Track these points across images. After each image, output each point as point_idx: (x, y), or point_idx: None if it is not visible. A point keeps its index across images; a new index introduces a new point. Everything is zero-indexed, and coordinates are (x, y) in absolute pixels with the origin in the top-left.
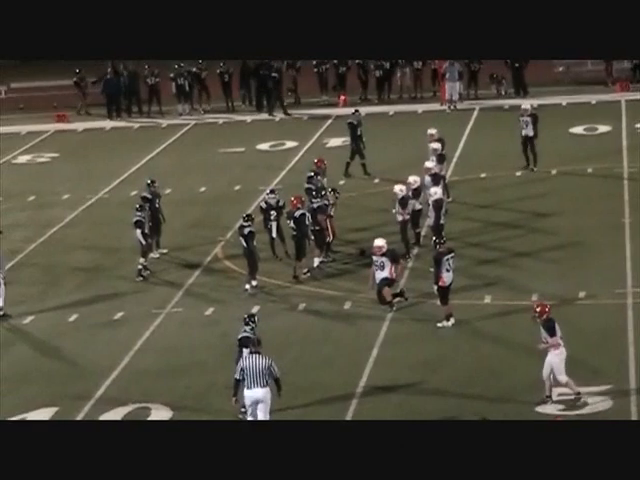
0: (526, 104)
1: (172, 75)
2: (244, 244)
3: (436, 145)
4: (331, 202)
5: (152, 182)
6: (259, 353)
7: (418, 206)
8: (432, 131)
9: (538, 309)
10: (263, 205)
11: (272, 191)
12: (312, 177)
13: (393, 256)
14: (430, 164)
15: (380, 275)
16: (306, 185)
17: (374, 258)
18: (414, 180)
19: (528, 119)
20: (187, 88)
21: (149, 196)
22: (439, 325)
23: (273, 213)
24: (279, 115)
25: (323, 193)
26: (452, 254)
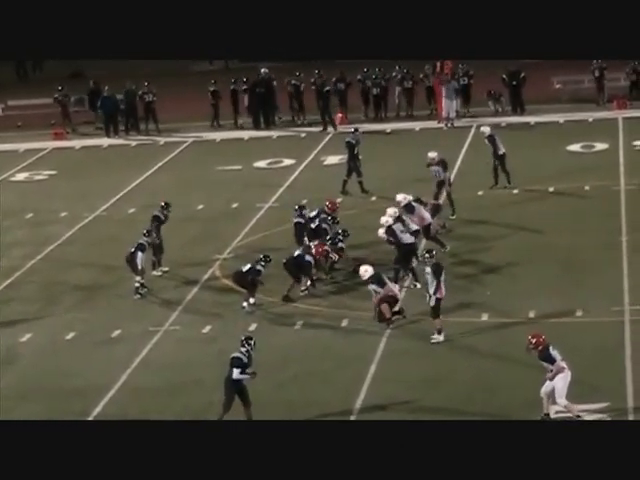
0: (485, 127)
1: (245, 87)
2: (250, 273)
3: (435, 168)
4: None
5: (167, 205)
6: None
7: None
8: (432, 154)
9: (534, 341)
10: (301, 220)
11: (303, 207)
12: (327, 218)
13: (379, 281)
14: (400, 197)
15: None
16: (324, 225)
17: (368, 285)
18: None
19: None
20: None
21: (162, 217)
22: (433, 341)
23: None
24: (277, 132)
25: (329, 236)
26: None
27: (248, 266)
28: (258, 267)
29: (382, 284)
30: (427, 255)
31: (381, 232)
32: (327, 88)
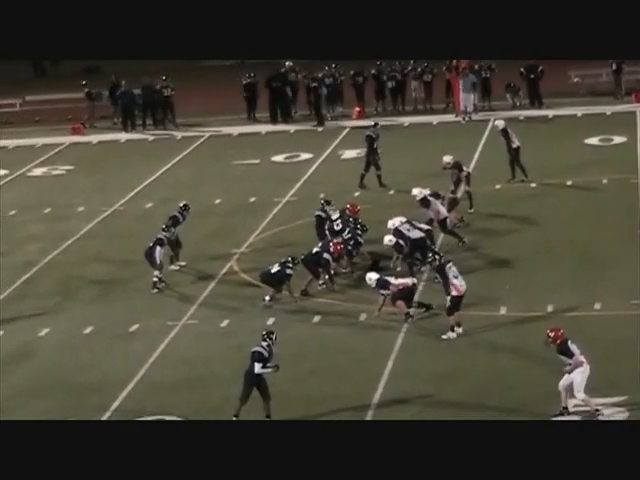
0: (499, 120)
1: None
2: (279, 275)
3: (452, 172)
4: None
5: (186, 206)
6: None
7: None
8: (447, 158)
9: (552, 334)
10: (323, 215)
11: (328, 202)
12: (348, 220)
13: (384, 285)
14: (416, 191)
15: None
16: (347, 229)
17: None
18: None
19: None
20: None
21: (180, 218)
22: (444, 337)
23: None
24: (294, 126)
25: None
26: (450, 262)
27: (277, 268)
28: (288, 271)
29: (387, 286)
30: (430, 259)
31: (387, 240)
32: (314, 84)
